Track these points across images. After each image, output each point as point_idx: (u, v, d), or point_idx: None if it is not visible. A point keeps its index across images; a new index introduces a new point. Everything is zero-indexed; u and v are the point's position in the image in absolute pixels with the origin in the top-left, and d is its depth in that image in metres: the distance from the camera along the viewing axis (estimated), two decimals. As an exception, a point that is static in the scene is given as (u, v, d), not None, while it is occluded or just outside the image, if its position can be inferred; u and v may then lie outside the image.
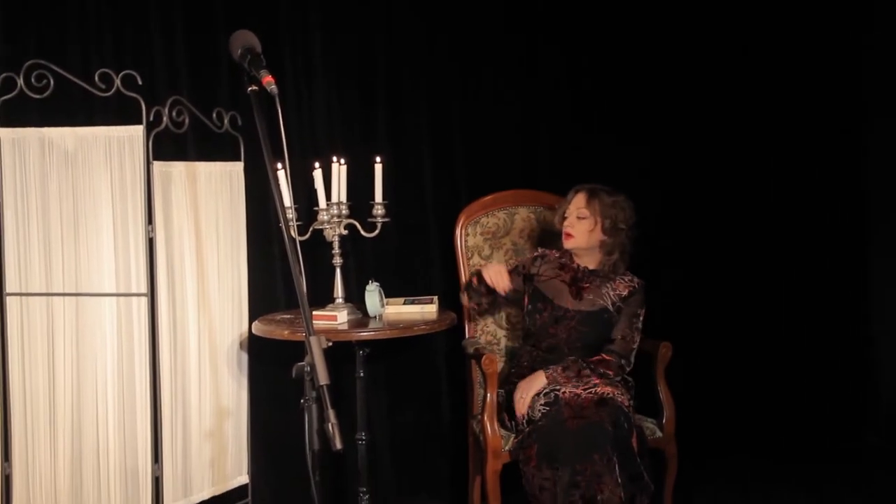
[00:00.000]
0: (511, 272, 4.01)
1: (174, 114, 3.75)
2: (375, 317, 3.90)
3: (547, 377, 3.76)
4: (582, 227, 3.92)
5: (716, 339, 5.00)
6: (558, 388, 3.75)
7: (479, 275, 3.95)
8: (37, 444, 3.79)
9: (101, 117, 3.92)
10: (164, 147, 3.86)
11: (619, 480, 3.53)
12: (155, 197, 3.69)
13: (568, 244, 3.94)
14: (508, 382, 3.94)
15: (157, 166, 3.71)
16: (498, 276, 3.89)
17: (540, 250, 4.12)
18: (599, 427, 3.57)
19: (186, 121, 3.81)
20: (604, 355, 3.85)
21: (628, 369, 3.92)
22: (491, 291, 3.93)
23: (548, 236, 4.36)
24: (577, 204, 3.94)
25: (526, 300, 4.03)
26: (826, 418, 5.13)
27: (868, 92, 5.14)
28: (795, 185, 5.12)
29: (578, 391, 3.73)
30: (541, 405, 3.72)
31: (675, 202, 4.93)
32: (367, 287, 3.88)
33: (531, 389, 3.75)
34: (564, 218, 3.96)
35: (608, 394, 3.70)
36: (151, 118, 3.66)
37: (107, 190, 3.74)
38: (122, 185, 3.73)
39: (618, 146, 4.80)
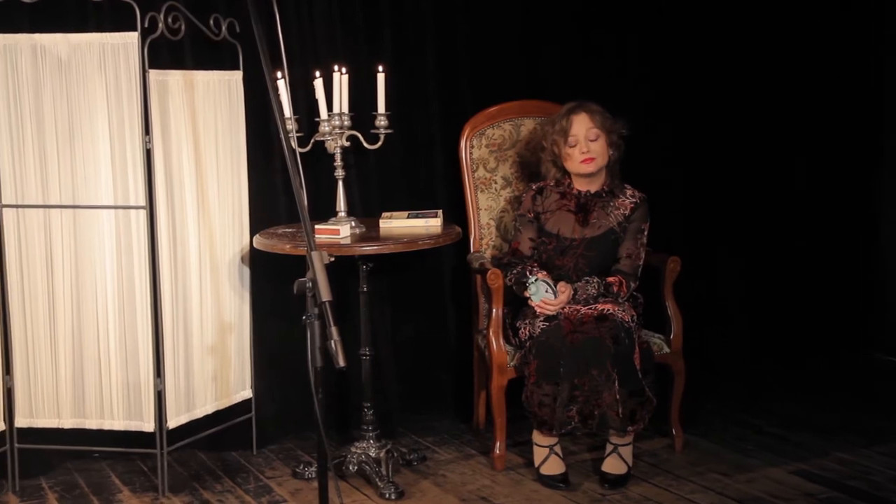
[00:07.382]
0: (524, 226, 3.92)
1: (170, 20, 3.62)
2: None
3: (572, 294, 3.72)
4: (598, 147, 3.81)
5: (723, 251, 4.93)
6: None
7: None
8: (38, 357, 3.75)
9: (95, 24, 3.79)
10: (161, 55, 3.73)
11: (618, 396, 3.51)
12: (151, 107, 3.58)
13: (590, 168, 3.81)
14: (513, 301, 3.88)
15: (154, 75, 3.59)
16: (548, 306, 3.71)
17: (534, 186, 3.99)
18: (598, 342, 3.54)
19: (182, 27, 3.68)
20: (612, 277, 3.79)
21: (634, 285, 3.87)
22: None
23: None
24: (584, 125, 3.80)
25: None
26: (832, 331, 5.11)
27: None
28: (804, 87, 5.01)
29: (578, 307, 3.69)
30: (541, 321, 3.68)
31: (681, 109, 4.82)
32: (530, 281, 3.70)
33: (561, 302, 3.70)
34: (571, 146, 3.81)
35: (608, 310, 3.66)
36: (146, 24, 3.53)
37: (102, 99, 3.63)
38: (118, 95, 3.62)
39: (621, 55, 4.71)
